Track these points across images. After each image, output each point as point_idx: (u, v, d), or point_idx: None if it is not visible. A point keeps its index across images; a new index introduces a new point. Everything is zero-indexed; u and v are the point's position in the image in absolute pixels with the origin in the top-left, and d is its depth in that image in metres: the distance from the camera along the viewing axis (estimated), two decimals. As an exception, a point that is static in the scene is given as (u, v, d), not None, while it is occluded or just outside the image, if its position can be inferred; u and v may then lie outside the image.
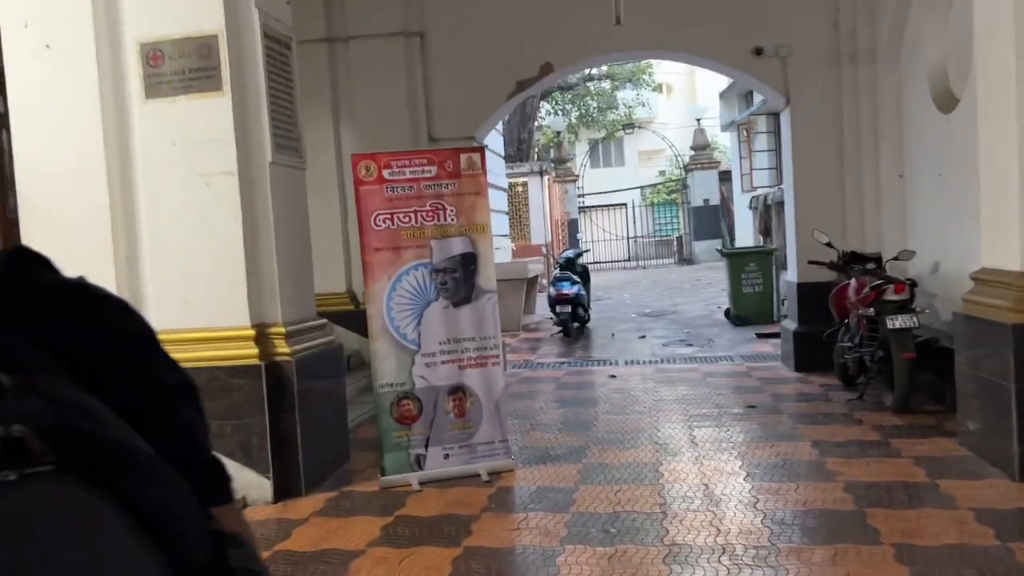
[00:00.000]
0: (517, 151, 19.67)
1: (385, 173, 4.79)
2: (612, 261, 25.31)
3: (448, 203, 4.85)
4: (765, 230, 11.90)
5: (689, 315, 13.22)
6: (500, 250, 12.94)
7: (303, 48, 8.05)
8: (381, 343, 4.76)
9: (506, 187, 15.34)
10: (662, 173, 30.59)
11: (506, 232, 14.67)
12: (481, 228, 4.90)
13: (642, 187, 28.68)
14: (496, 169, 13.69)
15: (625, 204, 27.28)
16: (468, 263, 4.87)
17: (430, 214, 4.84)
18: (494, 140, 13.49)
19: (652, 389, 7.48)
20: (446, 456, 4.81)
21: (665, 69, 27.13)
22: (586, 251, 12.98)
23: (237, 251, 4.63)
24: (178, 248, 4.69)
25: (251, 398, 4.57)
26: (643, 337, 11.07)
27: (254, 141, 4.73)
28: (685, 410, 6.48)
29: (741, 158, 19.34)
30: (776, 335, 10.24)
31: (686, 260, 24.17)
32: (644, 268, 24.39)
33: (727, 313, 12.15)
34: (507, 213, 15.49)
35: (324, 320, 5.35)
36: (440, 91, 8.25)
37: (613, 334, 11.61)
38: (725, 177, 23.65)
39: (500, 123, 15.07)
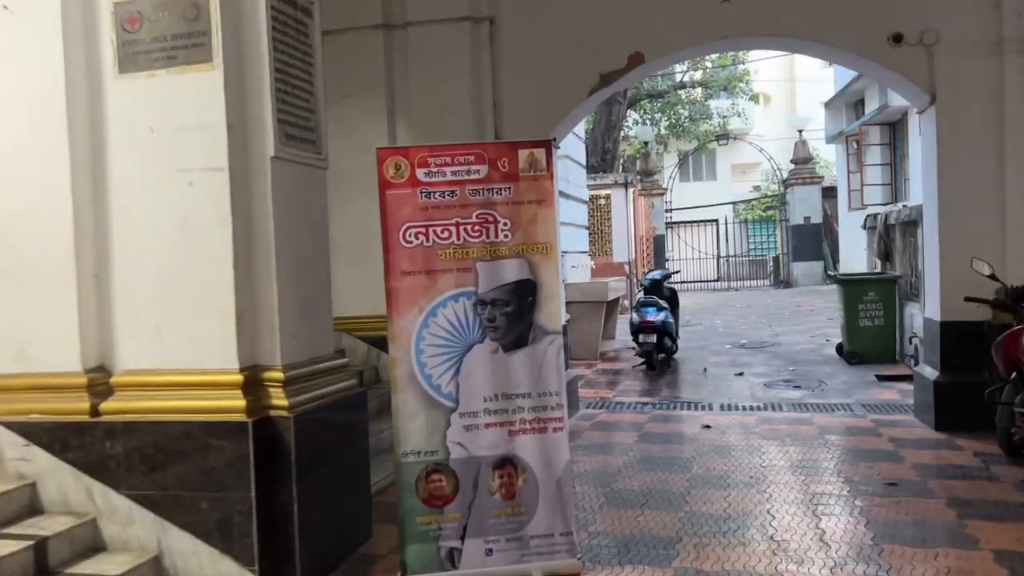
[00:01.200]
0: (601, 161, 18.41)
1: (419, 173, 3.64)
2: (700, 281, 23.67)
3: (501, 214, 3.66)
4: (885, 254, 10.26)
5: (793, 348, 11.63)
6: (578, 268, 11.66)
7: (356, 35, 7.04)
8: (407, 396, 3.60)
9: (587, 199, 14.10)
10: (756, 188, 28.71)
11: (586, 248, 13.38)
12: (544, 248, 3.69)
13: (735, 203, 26.90)
14: (576, 179, 12.43)
15: (716, 220, 25.60)
16: (525, 294, 3.66)
17: (477, 228, 3.66)
18: (575, 147, 12.25)
19: (757, 448, 6.08)
20: (489, 552, 3.59)
21: (763, 76, 25.39)
22: (675, 272, 11.56)
23: (224, 270, 3.56)
24: (154, 264, 3.64)
25: (234, 464, 3.47)
26: (741, 374, 9.62)
27: (253, 129, 3.66)
28: (803, 484, 5.08)
29: (850, 172, 17.55)
30: (901, 378, 8.69)
31: (783, 282, 22.32)
32: (736, 290, 22.65)
33: (839, 349, 10.55)
34: (588, 228, 14.23)
35: (343, 360, 4.23)
36: (511, 85, 7.10)
37: (705, 369, 10.17)
38: (828, 193, 21.78)
39: (582, 128, 13.82)
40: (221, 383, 3.52)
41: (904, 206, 10.53)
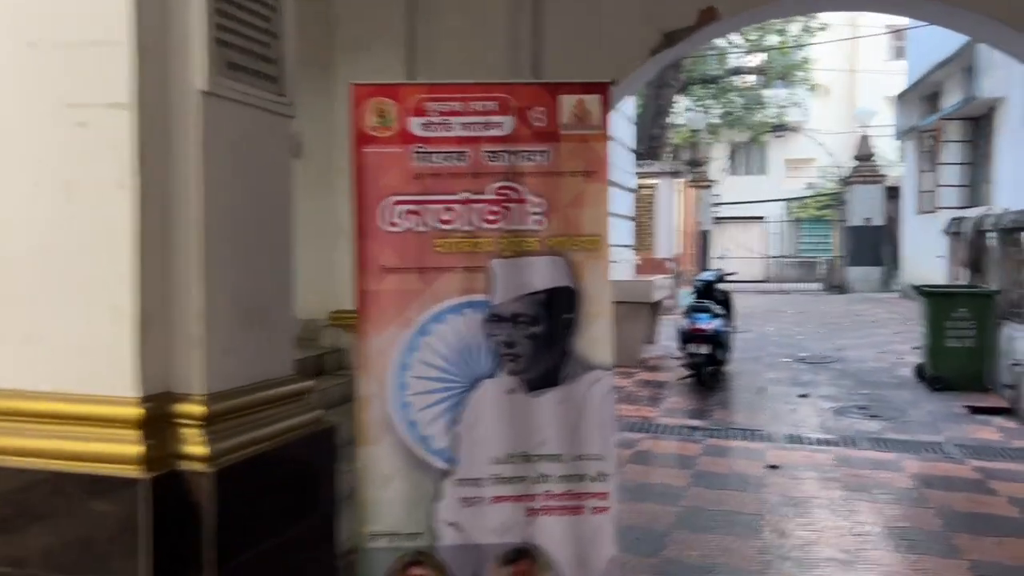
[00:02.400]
0: (647, 149, 17.10)
1: (414, 124, 2.48)
2: (745, 281, 22.24)
3: (532, 189, 2.50)
4: (974, 264, 8.86)
5: (861, 367, 10.28)
6: (620, 264, 10.42)
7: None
8: (380, 452, 2.46)
9: (635, 188, 12.84)
10: (810, 185, 27.12)
11: (630, 242, 12.12)
12: (591, 243, 2.51)
13: (787, 199, 25.37)
14: (624, 165, 11.18)
15: (763, 217, 24.10)
16: (560, 308, 2.50)
17: (495, 209, 2.50)
18: (623, 128, 10.98)
19: (841, 505, 4.85)
20: None
21: (824, 64, 23.77)
22: (731, 273, 10.27)
23: (123, 253, 2.43)
24: (25, 243, 2.53)
25: (121, 539, 2.35)
26: (805, 396, 8.33)
27: (175, 50, 2.52)
28: (916, 570, 3.85)
29: (921, 172, 16.02)
30: (997, 411, 7.38)
31: (836, 287, 20.83)
32: (786, 293, 21.21)
33: (919, 371, 9.19)
34: (633, 219, 12.96)
35: (304, 384, 3.08)
36: (556, 40, 5.87)
37: (763, 387, 8.88)
38: (890, 194, 20.22)
39: (632, 108, 12.54)
40: (110, 418, 2.39)
41: (1006, 210, 9.11)
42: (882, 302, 17.64)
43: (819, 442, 6.43)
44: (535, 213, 2.49)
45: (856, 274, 20.00)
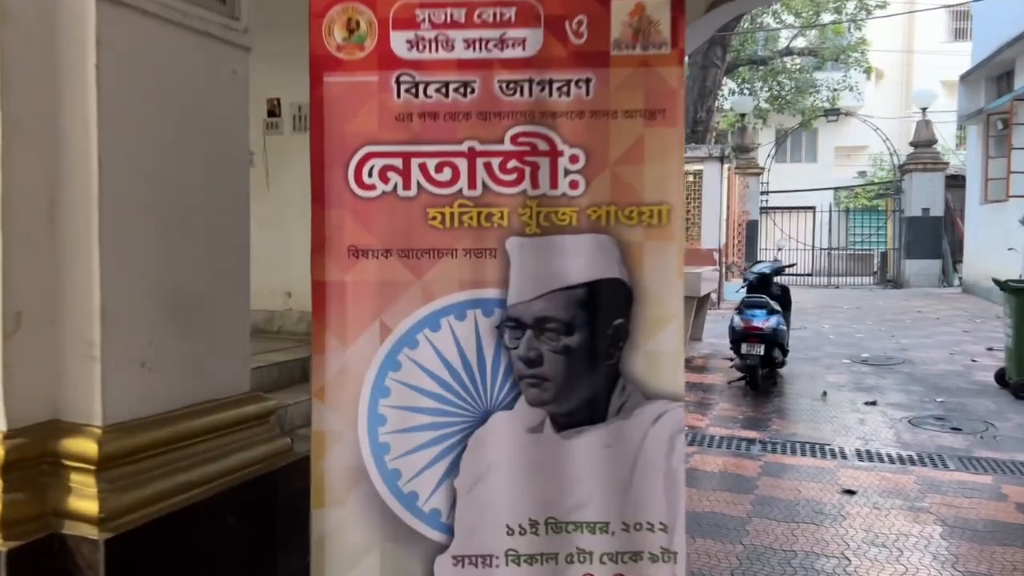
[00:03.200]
0: (692, 133, 16.14)
1: (397, 41, 1.71)
2: (795, 275, 21.15)
3: (568, 134, 1.71)
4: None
5: (931, 370, 9.29)
6: (664, 254, 9.51)
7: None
8: (346, 515, 1.69)
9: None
10: (861, 174, 25.77)
11: (673, 230, 11.22)
12: (655, 216, 1.71)
13: (838, 188, 24.11)
14: (668, 145, 10.24)
15: (813, 208, 22.95)
16: (607, 310, 1.71)
17: (513, 164, 1.71)
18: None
19: (942, 548, 3.98)
20: None
21: (879, 46, 22.46)
22: (790, 266, 9.34)
23: (-18, 228, 1.71)
24: None
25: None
26: (872, 404, 7.42)
27: (61, -65, 1.78)
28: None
29: (989, 158, 14.85)
30: (1100, 426, 6.41)
31: (891, 282, 19.65)
32: (837, 288, 20.09)
33: (1001, 376, 8.19)
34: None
35: (263, 404, 2.33)
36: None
37: (825, 393, 7.99)
38: (951, 183, 18.97)
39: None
40: (-43, 461, 1.68)
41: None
42: (943, 298, 16.51)
43: (897, 460, 5.55)
44: (572, 171, 1.71)
45: (913, 267, 18.79)
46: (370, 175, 1.70)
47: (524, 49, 1.69)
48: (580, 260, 1.69)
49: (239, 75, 2.19)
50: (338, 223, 1.70)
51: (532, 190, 1.70)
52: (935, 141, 18.96)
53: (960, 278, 17.84)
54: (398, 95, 1.70)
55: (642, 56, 1.69)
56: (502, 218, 1.70)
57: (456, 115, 1.70)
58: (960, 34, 25.16)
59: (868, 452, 5.86)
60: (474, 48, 1.68)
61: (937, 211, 18.73)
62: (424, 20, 1.69)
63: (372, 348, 1.69)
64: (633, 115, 1.69)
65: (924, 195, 18.67)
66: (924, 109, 18.80)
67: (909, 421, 6.89)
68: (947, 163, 19.18)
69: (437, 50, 1.69)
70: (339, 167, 1.70)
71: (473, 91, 1.70)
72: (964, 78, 16.48)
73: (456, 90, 1.70)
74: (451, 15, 1.68)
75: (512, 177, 1.70)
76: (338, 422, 1.68)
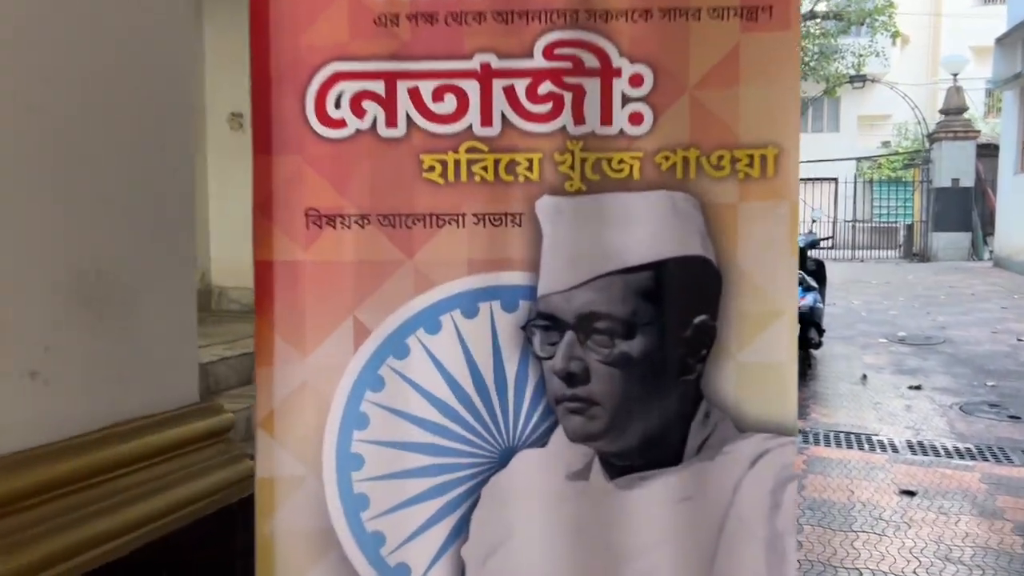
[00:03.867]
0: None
1: (375, -94, 1.15)
2: (819, 248, 20.47)
3: (627, 43, 1.15)
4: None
5: (975, 350, 8.71)
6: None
7: None
8: (302, 598, 1.18)
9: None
10: (885, 144, 24.88)
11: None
12: (757, 162, 1.16)
13: (862, 158, 23.28)
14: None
15: (835, 179, 22.22)
16: (684, 302, 1.16)
17: (547, 89, 1.16)
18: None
19: (1031, 565, 3.44)
20: None
21: (904, 8, 21.50)
22: (827, 239, 8.74)
23: None
24: None
25: None
26: (917, 388, 6.86)
27: None
28: None
29: (1026, 124, 14.13)
30: None
31: (917, 256, 18.96)
32: (862, 261, 19.42)
33: (1055, 358, 7.57)
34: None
35: (223, 414, 1.81)
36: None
37: (864, 376, 7.43)
38: (981, 152, 18.20)
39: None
40: None
41: None
42: (975, 272, 15.86)
43: (956, 453, 5.01)
44: (633, 99, 1.16)
45: (942, 241, 18.07)
46: (338, 106, 1.16)
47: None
48: (644, 230, 1.15)
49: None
50: (292, 177, 1.16)
51: (574, 127, 1.16)
52: (966, 108, 18.18)
53: (991, 251, 17.16)
54: (376, -16, 1.16)
55: (741, -76, 1.13)
56: (530, 168, 1.16)
57: (463, 17, 1.15)
58: (990, -3, 24.21)
59: (921, 444, 5.31)
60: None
61: (967, 181, 17.99)
62: None
63: (342, 358, 1.16)
64: (724, 14, 1.14)
65: (954, 165, 17.91)
66: (955, 75, 17.99)
67: (960, 408, 6.34)
68: (978, 131, 18.40)
69: (434, -80, 1.14)
70: (292, 96, 1.16)
71: (488, -20, 1.15)
72: (1000, 41, 15.66)
73: (464, -20, 1.15)
74: None
75: (545, 108, 1.16)
76: (294, 465, 1.16)
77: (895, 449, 5.24)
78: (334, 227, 1.17)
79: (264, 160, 1.16)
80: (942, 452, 5.20)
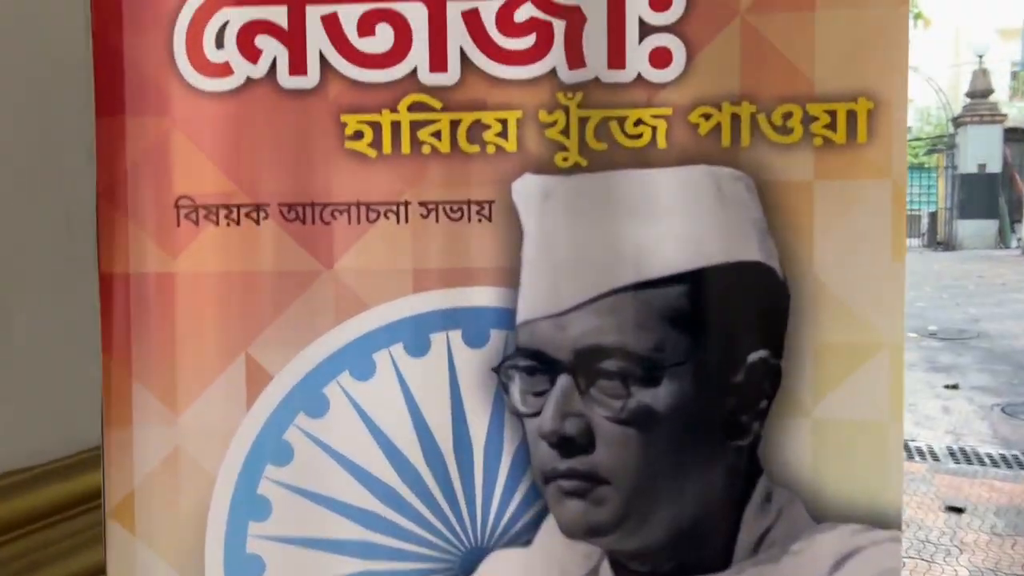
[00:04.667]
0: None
1: None
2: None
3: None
4: None
5: (1012, 345, 8.29)
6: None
7: None
8: None
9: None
10: (907, 130, 24.38)
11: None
12: (842, 121, 0.77)
13: (882, 145, 22.78)
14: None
15: (855, 166, 21.73)
16: (731, 331, 0.78)
17: (529, 11, 0.77)
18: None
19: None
20: None
21: (925, -8, 20.99)
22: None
23: None
24: None
25: None
26: (954, 387, 6.45)
27: None
28: None
29: (1058, 107, 13.62)
30: None
31: (942, 244, 18.44)
32: (883, 250, 18.96)
33: (1102, 354, 7.13)
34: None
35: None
36: None
37: (896, 374, 6.98)
38: (1008, 136, 17.66)
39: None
40: None
41: None
42: (1003, 261, 15.37)
43: (1003, 462, 4.61)
44: (654, 27, 0.77)
45: (968, 228, 17.54)
46: (220, 45, 0.79)
47: None
48: (674, 224, 0.77)
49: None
50: (153, 149, 0.79)
51: (569, 72, 0.78)
52: (992, 91, 17.62)
53: (1019, 239, 16.64)
54: None
55: None
56: (504, 134, 0.78)
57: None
58: (1016, -24, 23.59)
59: (964, 451, 4.91)
60: None
61: (994, 167, 17.45)
62: None
63: (231, 415, 0.79)
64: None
65: (980, 150, 17.37)
66: (981, 57, 17.43)
67: (1003, 409, 5.93)
68: (1005, 115, 17.82)
69: None
70: (153, 29, 0.79)
71: None
72: (1030, 21, 15.11)
73: None
74: None
75: (526, 44, 0.78)
76: (163, 572, 0.79)
77: (935, 457, 4.85)
78: (216, 223, 0.79)
79: (111, 124, 0.79)
80: (987, 460, 4.80)
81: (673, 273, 0.78)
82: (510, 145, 0.79)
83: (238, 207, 0.79)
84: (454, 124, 0.79)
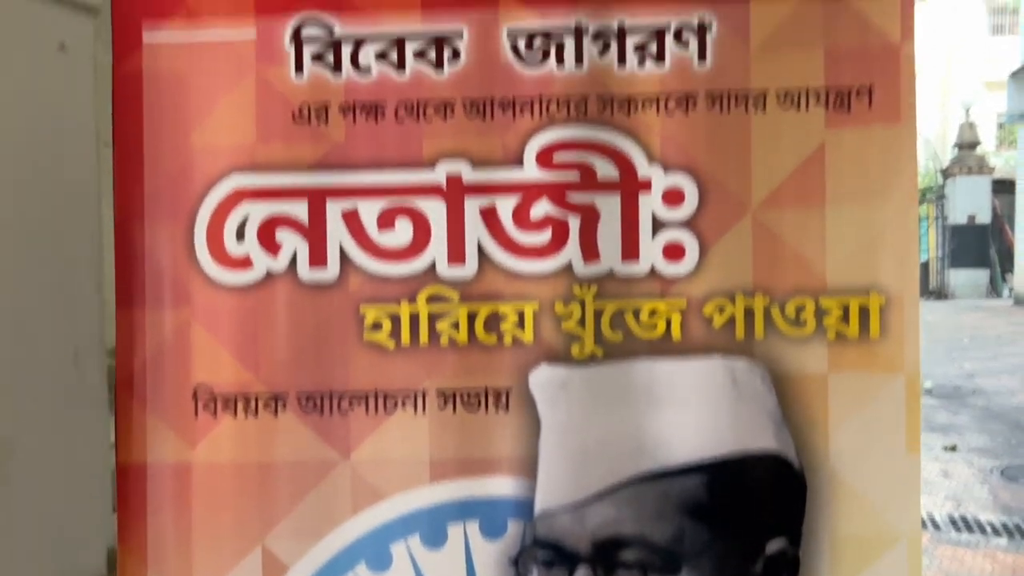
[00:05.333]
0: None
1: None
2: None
3: (661, 146, 0.78)
4: None
5: (1009, 402, 8.26)
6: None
7: None
8: None
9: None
10: (895, 179, 24.66)
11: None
12: (854, 315, 0.79)
13: (872, 195, 23.03)
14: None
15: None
16: (749, 522, 0.79)
17: (545, 208, 0.79)
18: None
19: None
20: None
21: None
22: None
23: None
24: None
25: None
26: (952, 449, 6.42)
27: None
28: None
29: (1045, 160, 13.81)
30: None
31: (934, 293, 18.55)
32: (876, 300, 19.03)
33: (1099, 413, 7.12)
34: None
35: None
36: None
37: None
38: (996, 187, 17.90)
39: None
40: None
41: None
42: (996, 311, 15.42)
43: (1005, 531, 4.56)
44: (670, 223, 0.79)
45: (959, 278, 17.65)
46: (241, 237, 0.80)
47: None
48: (690, 415, 0.78)
49: (74, 52, 1.29)
50: (173, 340, 0.80)
51: (584, 265, 0.79)
52: (979, 143, 17.91)
53: (1011, 289, 16.75)
54: (299, 67, 0.80)
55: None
56: (521, 325, 0.79)
57: (421, 108, 0.79)
58: (998, 29, 24.12)
59: (965, 520, 4.86)
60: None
61: (984, 218, 17.64)
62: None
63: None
64: (802, 100, 0.78)
65: (969, 200, 17.58)
66: (967, 110, 17.75)
67: (1002, 473, 5.88)
68: (993, 167, 18.10)
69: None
70: (174, 222, 0.80)
71: (456, 57, 0.79)
72: (1015, 75, 15.42)
73: (420, 56, 0.79)
74: None
75: (542, 239, 0.79)
76: None
77: (936, 525, 4.79)
78: (234, 414, 0.80)
79: (130, 316, 0.80)
80: (989, 529, 4.75)
81: (690, 463, 0.79)
82: (527, 336, 0.80)
83: (256, 397, 0.80)
84: (472, 315, 0.80)
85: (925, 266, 19.79)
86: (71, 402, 1.30)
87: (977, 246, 17.40)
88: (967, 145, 17.64)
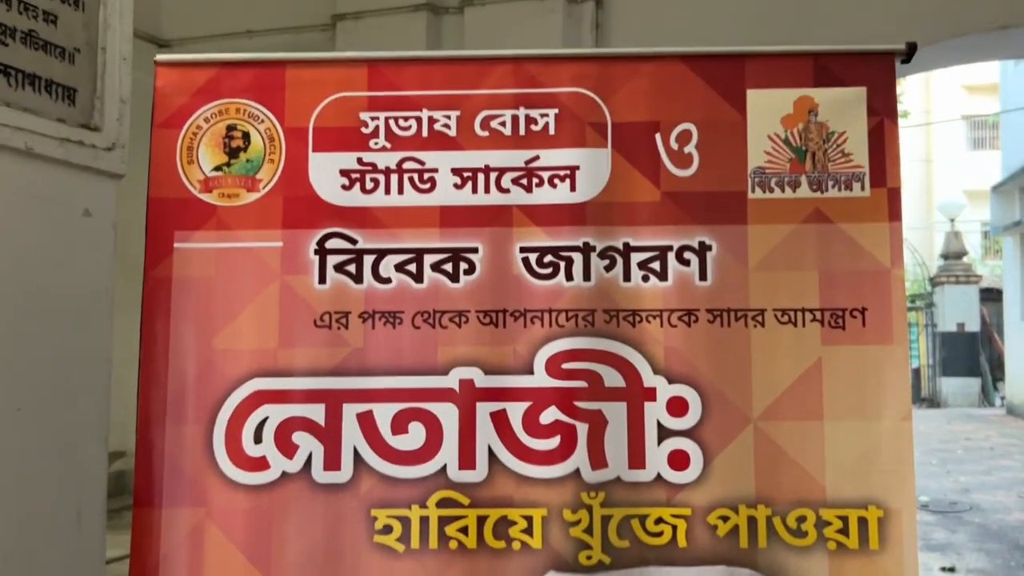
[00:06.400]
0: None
1: (323, 171, 0.86)
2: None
3: (664, 358, 0.83)
4: None
5: (1007, 519, 8.08)
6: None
7: (390, 20, 4.47)
8: None
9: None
10: (882, 286, 24.91)
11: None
12: (854, 527, 0.81)
13: (861, 301, 23.20)
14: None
15: (836, 320, 22.05)
16: None
17: (554, 416, 0.83)
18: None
19: None
20: None
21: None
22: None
23: None
24: None
25: None
26: (951, 571, 6.25)
27: None
28: None
29: (1030, 271, 13.99)
30: None
31: (926, 401, 18.48)
32: (869, 406, 18.90)
33: (1098, 534, 6.98)
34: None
35: None
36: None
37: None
38: (984, 296, 18.06)
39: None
40: None
41: None
42: (988, 421, 15.33)
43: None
44: (674, 432, 0.83)
45: (951, 386, 17.59)
46: (259, 440, 0.83)
47: (573, 189, 0.84)
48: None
49: (98, 216, 1.34)
50: (187, 538, 0.82)
51: (592, 472, 0.82)
52: (965, 252, 18.20)
53: (1002, 397, 16.72)
54: (322, 278, 0.85)
55: (813, 201, 0.83)
56: (530, 531, 0.81)
57: (436, 317, 0.84)
58: (979, 143, 24.97)
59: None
60: (475, 187, 0.84)
61: (973, 326, 17.72)
62: (376, 129, 0.85)
63: None
64: (799, 318, 0.82)
65: (958, 309, 17.69)
66: (952, 220, 18.12)
67: (1004, 598, 5.71)
68: (980, 276, 18.33)
69: (401, 189, 0.85)
70: (196, 420, 0.83)
71: (472, 270, 0.84)
72: (996, 189, 15.85)
73: (438, 268, 0.84)
74: (430, 122, 0.84)
75: (551, 444, 0.83)
76: None
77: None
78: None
79: (147, 516, 0.81)
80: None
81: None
82: (535, 542, 0.82)
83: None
84: (481, 520, 0.82)
85: (916, 372, 19.81)
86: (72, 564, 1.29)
87: (967, 354, 17.43)
88: (953, 255, 17.92)
